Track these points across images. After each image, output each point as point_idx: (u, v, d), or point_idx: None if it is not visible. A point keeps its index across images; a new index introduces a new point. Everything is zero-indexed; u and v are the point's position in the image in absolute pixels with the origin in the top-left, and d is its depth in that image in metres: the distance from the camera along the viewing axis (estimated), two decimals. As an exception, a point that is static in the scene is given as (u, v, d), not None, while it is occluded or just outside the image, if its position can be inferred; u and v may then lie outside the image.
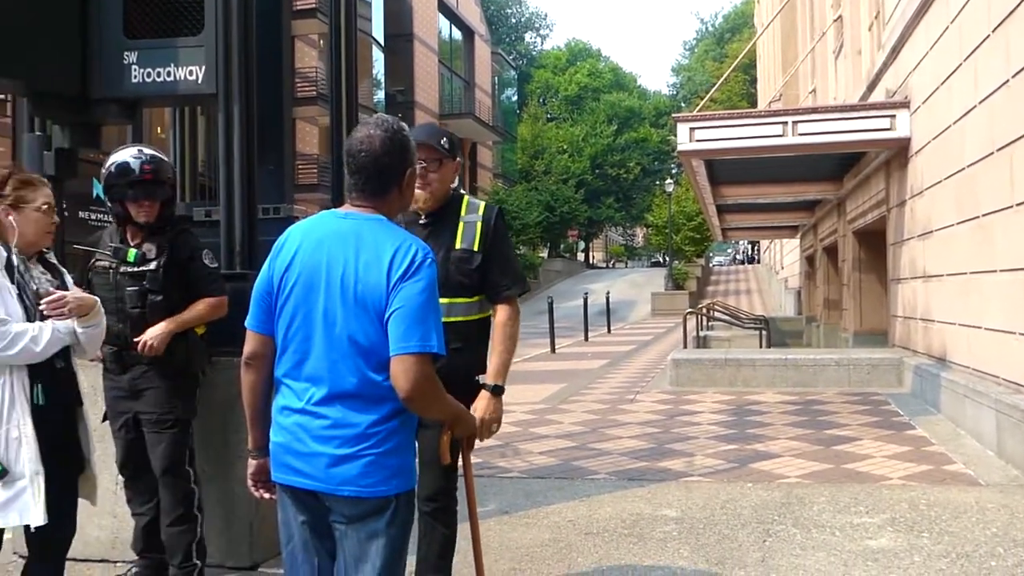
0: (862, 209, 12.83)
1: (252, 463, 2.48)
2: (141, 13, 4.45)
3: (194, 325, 3.82)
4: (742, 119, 11.35)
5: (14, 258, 2.98)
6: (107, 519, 4.15)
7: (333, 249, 2.28)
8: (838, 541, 4.40)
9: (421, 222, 3.23)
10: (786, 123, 10.54)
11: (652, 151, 56.91)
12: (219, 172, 4.42)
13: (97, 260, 3.75)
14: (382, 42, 33.37)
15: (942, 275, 8.57)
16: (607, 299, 25.40)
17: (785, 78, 23.04)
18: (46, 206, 3.14)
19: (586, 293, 23.16)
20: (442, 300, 3.10)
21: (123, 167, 3.66)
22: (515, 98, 54.73)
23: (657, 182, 52.41)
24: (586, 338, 20.47)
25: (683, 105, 58.83)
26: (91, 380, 3.77)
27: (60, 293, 3.01)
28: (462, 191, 3.42)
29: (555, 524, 4.84)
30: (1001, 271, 6.79)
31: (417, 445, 3.02)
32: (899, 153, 10.34)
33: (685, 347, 14.08)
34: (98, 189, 4.43)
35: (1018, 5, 6.33)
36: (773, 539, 4.47)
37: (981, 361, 7.30)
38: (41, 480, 2.88)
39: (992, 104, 6.97)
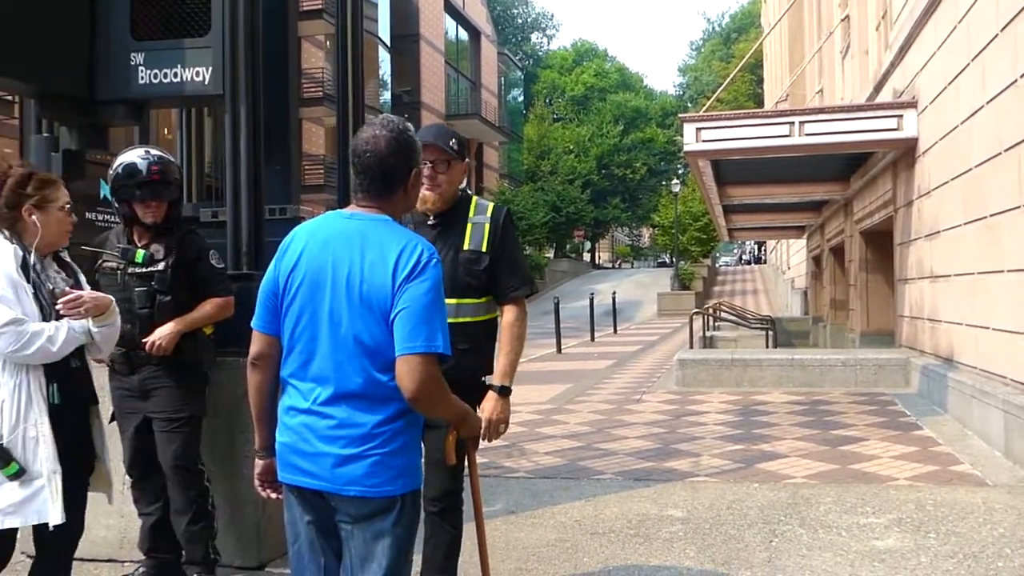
0: (869, 209, 12.80)
1: (259, 463, 2.49)
2: (148, 14, 4.46)
3: (202, 325, 3.84)
4: (749, 119, 11.33)
5: (30, 258, 2.99)
6: (114, 519, 4.16)
7: (339, 249, 2.28)
8: (845, 541, 4.40)
9: (430, 223, 3.23)
10: (793, 123, 10.52)
11: (658, 151, 56.87)
12: (226, 173, 4.44)
13: (104, 261, 3.77)
14: (388, 43, 33.41)
15: (949, 275, 8.55)
16: (613, 299, 25.38)
17: (792, 78, 22.99)
18: (68, 205, 3.16)
19: (592, 293, 23.13)
20: (450, 301, 3.11)
21: (130, 168, 3.68)
22: (521, 98, 54.71)
23: (663, 182, 52.46)
24: (592, 338, 20.46)
25: (689, 105, 58.77)
26: (99, 381, 3.78)
27: (76, 293, 3.02)
28: (469, 192, 3.42)
29: (561, 524, 4.85)
30: (1008, 271, 6.77)
31: (424, 445, 3.03)
32: (906, 153, 10.31)
33: (691, 347, 14.06)
34: (105, 190, 4.43)
35: (1026, 4, 6.31)
36: (779, 539, 4.46)
37: (988, 361, 7.28)
38: (58, 479, 2.89)
39: (1000, 104, 6.95)
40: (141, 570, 3.89)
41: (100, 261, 3.76)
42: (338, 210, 2.44)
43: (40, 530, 2.95)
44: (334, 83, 5.92)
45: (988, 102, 7.22)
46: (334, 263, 2.27)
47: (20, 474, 2.84)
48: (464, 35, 42.87)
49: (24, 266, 2.95)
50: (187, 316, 3.75)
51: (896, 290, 11.49)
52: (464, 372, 3.07)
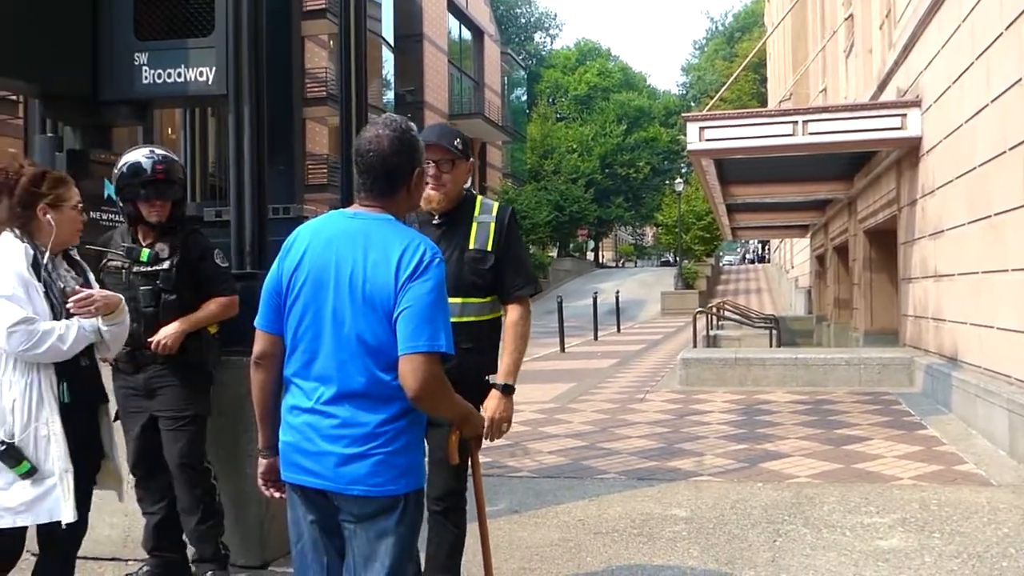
0: (873, 208, 12.79)
1: (262, 462, 2.49)
2: (151, 14, 4.47)
3: (206, 324, 3.85)
4: (752, 118, 11.32)
5: (42, 257, 2.99)
6: (118, 517, 4.17)
7: (342, 249, 2.28)
8: (848, 541, 4.39)
9: (434, 222, 3.24)
10: (796, 122, 10.51)
11: (662, 150, 56.82)
12: (229, 172, 4.44)
13: (109, 260, 3.77)
14: (392, 42, 33.41)
15: (953, 274, 8.53)
16: (617, 298, 25.37)
17: (795, 77, 22.97)
18: (80, 204, 3.16)
19: (596, 292, 23.12)
20: (455, 300, 3.12)
21: (135, 167, 3.69)
22: (525, 98, 54.71)
23: (667, 181, 52.37)
24: (596, 337, 20.45)
25: (693, 104, 58.71)
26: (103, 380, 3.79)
27: (87, 292, 3.02)
28: (473, 191, 3.43)
29: (565, 523, 4.85)
30: (1013, 270, 6.76)
31: (427, 444, 3.03)
32: (910, 152, 10.29)
33: (695, 346, 14.05)
34: (109, 190, 4.44)
35: (1030, 3, 6.30)
36: (783, 539, 4.46)
37: (993, 360, 7.27)
38: (70, 478, 2.90)
39: (1004, 103, 6.94)
40: (145, 569, 3.90)
41: (105, 260, 3.77)
42: (341, 209, 2.45)
43: (44, 528, 2.96)
44: (337, 83, 5.92)
45: (992, 101, 7.20)
46: (337, 262, 2.28)
47: (32, 473, 2.84)
48: (467, 35, 42.87)
49: (35, 265, 2.95)
50: (192, 315, 3.76)
51: (900, 289, 11.48)
52: (468, 371, 3.07)
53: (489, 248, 3.22)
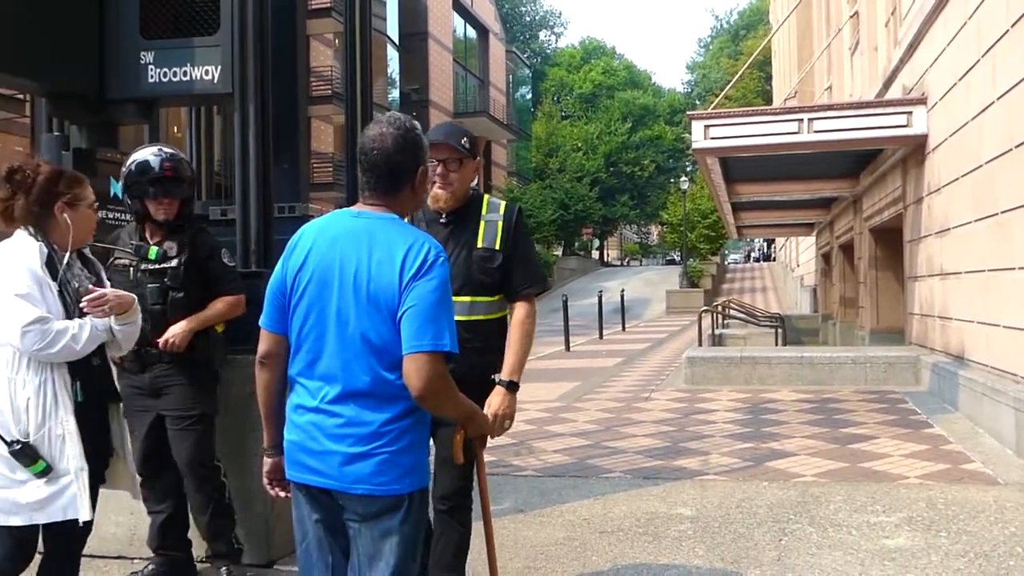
0: (879, 206, 12.76)
1: (267, 461, 2.49)
2: (157, 13, 4.47)
3: (214, 323, 3.86)
4: (757, 116, 11.29)
5: (57, 255, 2.98)
6: (124, 516, 4.18)
7: (346, 248, 2.28)
8: (855, 540, 4.38)
9: (442, 221, 3.24)
10: (802, 120, 10.49)
11: (667, 149, 56.73)
12: (235, 171, 4.44)
13: (116, 258, 3.78)
14: (397, 41, 33.43)
15: (960, 272, 8.51)
16: (622, 297, 25.36)
17: (800, 75, 22.92)
18: (96, 203, 3.16)
19: (601, 291, 23.12)
20: (464, 298, 3.13)
21: (143, 165, 3.70)
22: (529, 96, 54.70)
23: (672, 180, 52.25)
24: (601, 336, 20.44)
25: (698, 103, 58.65)
26: (108, 378, 3.79)
27: (100, 291, 3.01)
28: (479, 190, 3.43)
29: (570, 522, 4.84)
30: (1020, 268, 6.74)
31: (434, 443, 3.03)
32: (916, 150, 10.27)
33: (700, 345, 14.03)
34: (116, 188, 4.45)
35: (1037, 0, 6.28)
36: (789, 538, 4.45)
37: (999, 359, 7.24)
38: (86, 476, 2.90)
39: (1010, 100, 6.91)
40: (150, 567, 3.91)
41: (112, 258, 3.77)
42: (345, 208, 2.45)
43: (50, 526, 2.96)
44: (342, 81, 5.92)
45: (999, 98, 7.18)
46: (341, 261, 2.27)
47: (47, 472, 2.84)
48: (472, 33, 42.88)
49: (50, 263, 2.95)
50: (200, 314, 3.77)
51: (906, 287, 11.45)
52: (475, 370, 3.07)
53: (497, 247, 3.22)
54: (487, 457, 3.14)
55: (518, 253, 3.27)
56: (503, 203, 3.33)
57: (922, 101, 9.82)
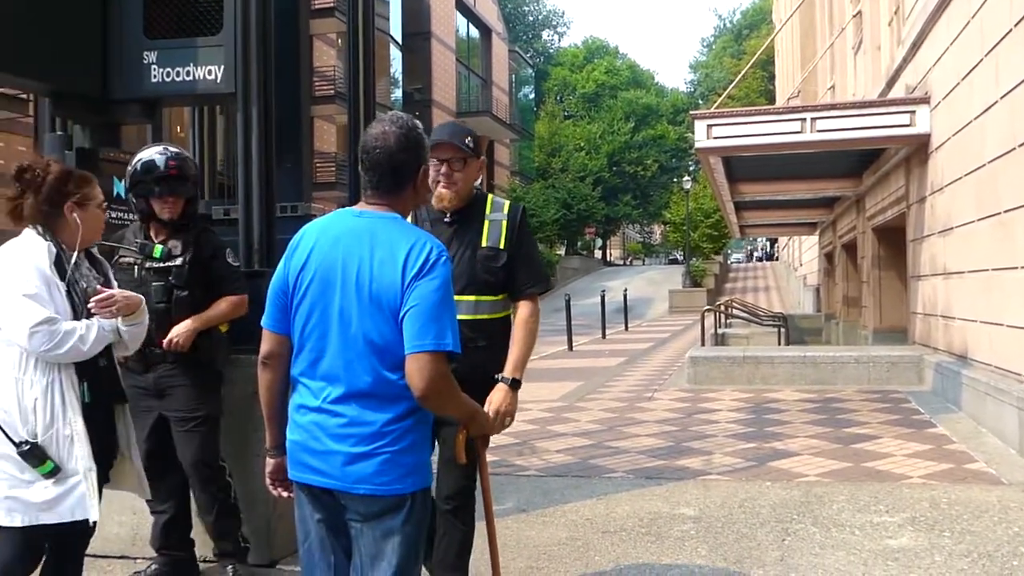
0: (882, 206, 12.74)
1: (270, 462, 2.49)
2: (161, 13, 4.48)
3: (217, 323, 3.86)
4: (760, 116, 11.28)
5: (66, 255, 2.97)
6: (127, 515, 4.18)
7: (348, 248, 2.28)
8: (858, 540, 4.38)
9: (446, 221, 3.25)
10: (805, 120, 10.48)
11: (669, 148, 56.72)
12: (238, 171, 4.45)
13: (121, 257, 3.79)
14: (400, 40, 33.44)
15: (963, 272, 8.50)
16: (624, 296, 25.35)
17: (804, 74, 22.89)
18: (105, 202, 3.16)
19: (603, 290, 23.09)
20: (469, 297, 3.14)
21: (149, 164, 3.72)
22: (532, 96, 54.69)
23: (675, 179, 52.26)
24: (603, 336, 20.43)
25: (701, 102, 58.62)
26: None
27: (108, 292, 3.00)
28: (482, 190, 3.43)
29: (572, 522, 4.84)
30: (1022, 268, 6.73)
31: (438, 443, 3.03)
32: (919, 149, 10.25)
33: (703, 345, 14.03)
34: (119, 188, 4.46)
35: (1040, -1, 6.27)
36: (792, 538, 4.45)
37: (1003, 358, 7.23)
38: (94, 476, 2.90)
39: (1013, 100, 6.90)
40: (153, 567, 3.91)
41: (116, 257, 3.78)
42: (347, 208, 2.45)
43: (55, 526, 2.96)
44: (345, 81, 5.92)
45: (1002, 97, 7.17)
46: (344, 261, 2.27)
47: (55, 472, 2.83)
48: (475, 32, 42.86)
49: (58, 263, 2.94)
50: (203, 314, 3.78)
51: (909, 287, 11.44)
52: (479, 369, 3.08)
53: (501, 246, 3.23)
54: (489, 457, 3.13)
55: (522, 253, 3.27)
56: (507, 202, 3.34)
57: (925, 100, 9.81)
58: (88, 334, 2.89)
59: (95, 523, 2.99)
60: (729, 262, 52.85)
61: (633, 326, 24.11)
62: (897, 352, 10.28)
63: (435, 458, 2.96)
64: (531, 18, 66.38)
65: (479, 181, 3.37)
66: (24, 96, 14.14)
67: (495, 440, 3.09)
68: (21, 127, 15.68)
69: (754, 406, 8.69)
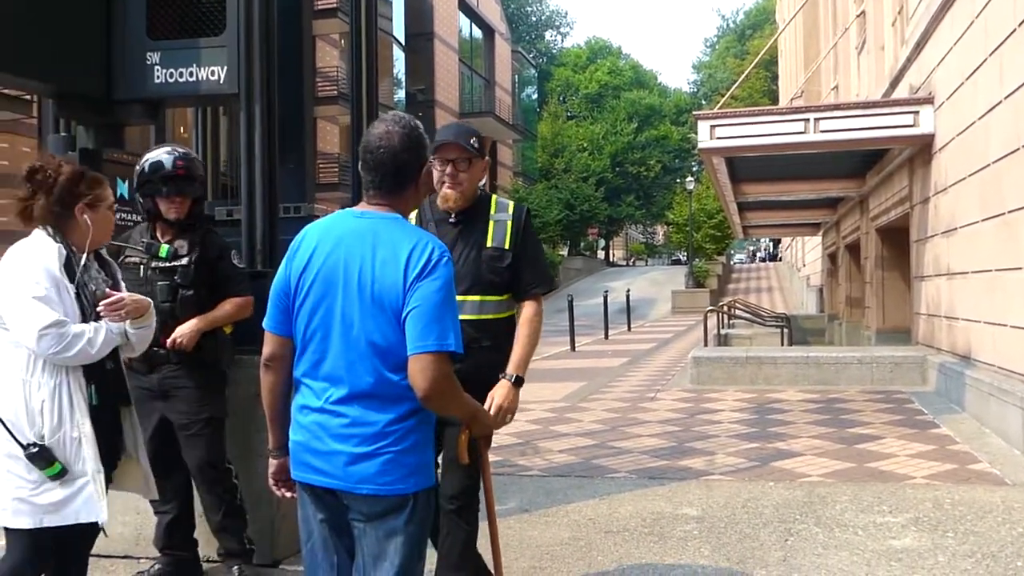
0: (885, 206, 12.73)
1: (272, 463, 2.49)
2: (164, 14, 4.48)
3: (222, 324, 3.87)
4: (763, 116, 11.27)
5: (76, 257, 2.96)
6: (130, 515, 4.19)
7: (350, 249, 2.28)
8: (861, 540, 4.37)
9: (451, 221, 3.25)
10: (808, 120, 10.47)
11: (672, 149, 56.71)
12: (241, 171, 4.45)
13: (127, 256, 3.80)
14: (403, 41, 33.44)
15: (967, 272, 8.48)
16: (627, 297, 25.34)
17: (807, 75, 22.88)
18: (115, 204, 3.15)
19: (606, 291, 23.08)
20: (474, 297, 3.15)
21: (156, 164, 3.74)
22: (535, 96, 54.68)
23: (678, 180, 52.32)
24: (606, 336, 20.43)
25: (704, 103, 58.59)
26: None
27: (117, 295, 2.99)
28: (486, 190, 3.44)
29: (575, 522, 4.84)
30: (1027, 268, 6.72)
31: (444, 443, 3.03)
32: (923, 150, 10.24)
33: (706, 345, 14.03)
34: (122, 188, 4.46)
35: (1044, -1, 6.26)
36: (795, 538, 4.44)
37: (1006, 359, 7.22)
38: (102, 478, 2.89)
39: (1018, 100, 6.89)
40: (157, 567, 3.92)
41: (123, 257, 3.78)
42: (348, 208, 2.45)
43: (61, 527, 2.95)
44: (348, 81, 5.93)
45: (1006, 97, 7.16)
46: (346, 262, 2.27)
47: (62, 474, 2.82)
48: (478, 33, 42.86)
49: (68, 265, 2.92)
50: (208, 314, 3.78)
51: (912, 287, 11.42)
52: (483, 368, 3.09)
53: (506, 246, 3.24)
54: (492, 457, 3.14)
55: (527, 253, 3.29)
56: (511, 203, 3.35)
57: (929, 100, 9.80)
58: (96, 337, 2.88)
59: (103, 524, 2.99)
60: (732, 263, 52.80)
61: (636, 327, 24.10)
62: (900, 353, 10.27)
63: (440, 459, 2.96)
64: (534, 18, 66.38)
65: (483, 182, 3.38)
66: (28, 97, 14.16)
67: (498, 440, 3.09)
68: (25, 128, 15.70)
69: (757, 406, 8.69)
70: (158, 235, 3.83)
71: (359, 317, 2.24)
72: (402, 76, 34.02)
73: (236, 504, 3.89)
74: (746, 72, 18.32)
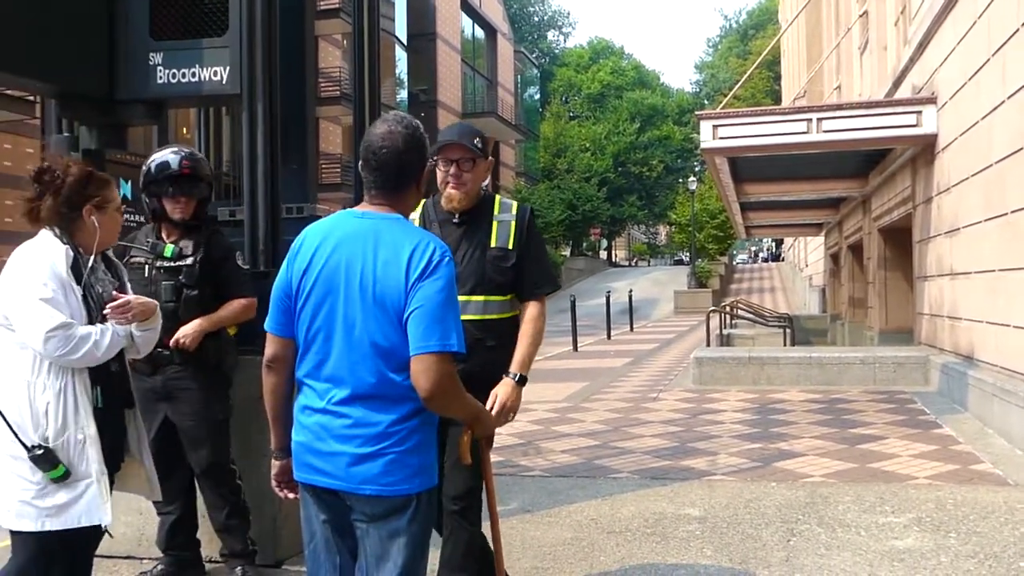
0: (888, 206, 12.72)
1: (275, 464, 2.49)
2: (166, 14, 4.48)
3: (226, 325, 3.87)
4: (766, 116, 11.27)
5: (83, 258, 2.95)
6: (133, 516, 4.19)
7: (352, 250, 2.28)
8: (863, 541, 4.37)
9: (455, 221, 3.25)
10: (811, 120, 10.46)
11: (675, 149, 56.70)
12: (243, 172, 4.46)
13: (132, 256, 3.80)
14: (405, 41, 33.45)
15: (969, 272, 8.48)
16: (630, 297, 25.33)
17: (810, 75, 22.86)
18: (122, 205, 3.15)
19: (609, 291, 23.09)
20: (478, 298, 3.15)
21: (163, 164, 3.75)
22: (538, 96, 54.68)
23: (680, 180, 52.31)
24: (609, 336, 20.43)
25: (706, 103, 58.56)
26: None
27: (124, 298, 2.98)
28: (489, 190, 3.44)
29: (577, 523, 4.84)
30: (1030, 268, 6.71)
31: (448, 443, 3.03)
32: (925, 150, 10.23)
33: (708, 345, 14.02)
34: (125, 189, 4.47)
35: (1047, -1, 6.25)
36: (797, 538, 4.44)
37: (1009, 359, 7.21)
38: (106, 480, 2.89)
39: (1020, 99, 6.88)
40: (159, 567, 3.93)
41: (127, 257, 3.79)
42: (349, 209, 2.44)
43: (65, 530, 2.94)
44: (351, 82, 5.93)
45: (1009, 97, 7.15)
46: (347, 263, 2.27)
47: (66, 477, 2.80)
48: (480, 33, 42.86)
49: (75, 267, 2.90)
50: (212, 315, 3.79)
51: (915, 287, 11.41)
52: (487, 368, 3.09)
53: (510, 246, 3.24)
54: (494, 457, 3.14)
55: (531, 253, 3.29)
56: (515, 203, 3.35)
57: (932, 100, 9.79)
58: (103, 339, 2.86)
59: (107, 527, 2.99)
60: (735, 263, 52.77)
61: (638, 327, 24.09)
62: (903, 353, 10.26)
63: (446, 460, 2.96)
64: (536, 19, 66.38)
65: (486, 182, 3.38)
66: (31, 98, 14.19)
67: (500, 440, 3.09)
68: (28, 129, 15.74)
69: (759, 407, 8.68)
70: (163, 235, 3.84)
71: (361, 318, 2.24)
72: (404, 76, 34.02)
73: (240, 504, 3.90)
74: (748, 72, 18.31)
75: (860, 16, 15.63)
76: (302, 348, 2.34)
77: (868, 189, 14.14)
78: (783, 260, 51.46)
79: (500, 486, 4.69)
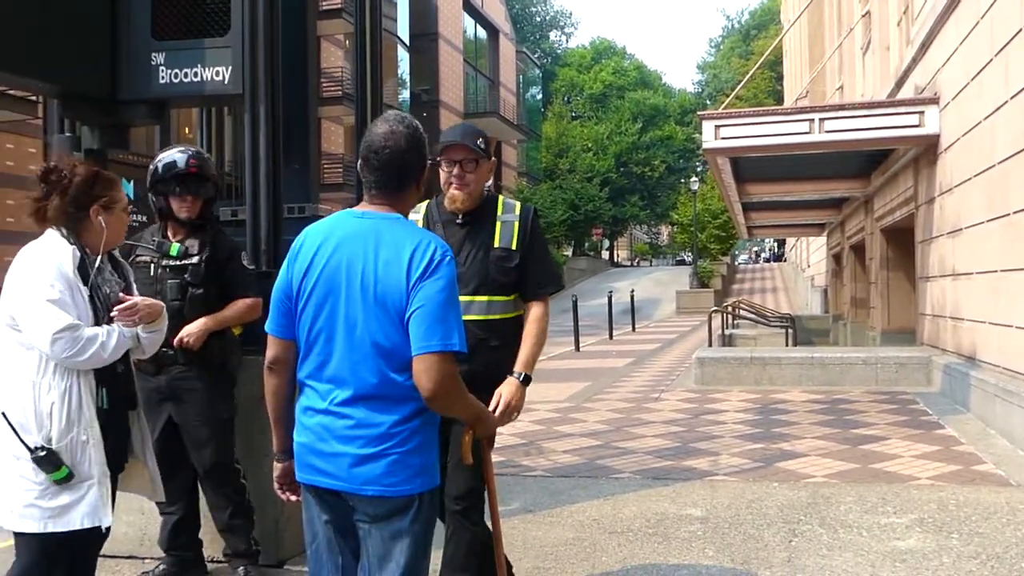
0: (890, 207, 12.71)
1: (277, 466, 2.49)
2: (168, 14, 4.49)
3: (230, 325, 3.87)
4: (768, 116, 11.27)
5: (90, 259, 2.94)
6: (135, 516, 4.20)
7: (353, 250, 2.28)
8: (865, 541, 4.36)
9: (458, 222, 3.25)
10: (813, 120, 10.46)
11: (677, 149, 56.66)
12: (245, 171, 4.46)
13: (138, 255, 3.81)
14: (407, 41, 33.44)
15: (972, 273, 8.47)
16: (632, 297, 25.33)
17: (812, 75, 22.84)
18: (128, 205, 3.14)
19: (611, 291, 23.09)
20: (482, 298, 3.16)
21: (170, 163, 3.77)
22: (540, 96, 54.66)
23: (682, 180, 52.22)
24: (611, 336, 20.42)
25: (708, 103, 58.54)
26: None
27: (131, 300, 2.97)
28: (492, 190, 3.44)
29: (579, 523, 4.84)
30: (1032, 269, 6.70)
31: (450, 443, 3.03)
32: (928, 150, 10.22)
33: (710, 345, 14.01)
34: (127, 189, 4.47)
35: (1050, -1, 6.24)
36: (799, 539, 4.44)
37: (1012, 360, 7.20)
38: (108, 481, 2.88)
39: (1023, 100, 6.87)
40: (161, 567, 3.93)
41: (133, 256, 3.79)
42: (349, 209, 2.44)
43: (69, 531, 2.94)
44: (353, 82, 5.94)
45: (1012, 97, 7.14)
46: (348, 264, 2.27)
47: (68, 478, 2.79)
48: (482, 33, 42.86)
49: (81, 267, 2.89)
50: (217, 315, 3.79)
51: (917, 288, 11.40)
52: (491, 368, 3.09)
53: (514, 247, 3.24)
54: (496, 457, 3.14)
55: (535, 253, 3.30)
56: (518, 204, 3.36)
57: (934, 101, 9.78)
58: (109, 341, 2.85)
59: (108, 528, 2.99)
60: (737, 263, 52.75)
61: (640, 327, 24.08)
62: (905, 353, 10.26)
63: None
64: (538, 19, 66.36)
65: (488, 182, 3.38)
66: (33, 98, 14.20)
67: (502, 440, 3.10)
68: (30, 129, 15.74)
69: (761, 407, 8.68)
70: (169, 234, 3.85)
71: (362, 318, 2.24)
72: (406, 76, 34.01)
73: (245, 504, 3.90)
74: (751, 72, 18.29)
75: (862, 16, 15.62)
76: (304, 349, 2.34)
77: (870, 189, 14.13)
78: (785, 260, 51.44)
79: (502, 486, 4.69)
